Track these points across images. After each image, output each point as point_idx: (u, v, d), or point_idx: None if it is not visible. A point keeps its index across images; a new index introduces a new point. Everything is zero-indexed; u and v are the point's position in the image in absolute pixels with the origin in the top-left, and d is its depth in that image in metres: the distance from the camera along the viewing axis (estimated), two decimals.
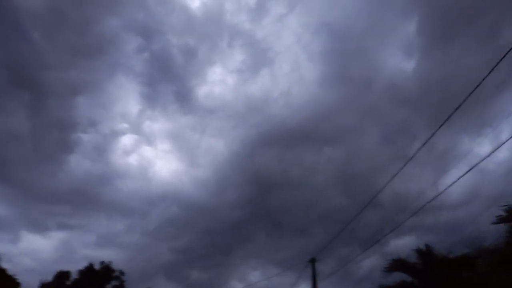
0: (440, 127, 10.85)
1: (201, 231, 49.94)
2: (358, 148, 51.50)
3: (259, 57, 56.04)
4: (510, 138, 9.41)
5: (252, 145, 51.33)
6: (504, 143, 9.84)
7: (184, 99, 57.04)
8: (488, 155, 10.25)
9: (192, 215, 50.66)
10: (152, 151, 58.37)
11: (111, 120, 57.24)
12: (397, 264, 16.30)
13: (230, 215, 50.99)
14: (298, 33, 55.20)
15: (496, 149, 9.98)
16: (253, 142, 51.25)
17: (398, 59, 49.14)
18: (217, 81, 57.71)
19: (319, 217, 48.87)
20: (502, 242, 12.62)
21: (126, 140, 56.63)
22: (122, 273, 28.41)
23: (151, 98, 58.11)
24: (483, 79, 8.87)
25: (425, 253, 15.93)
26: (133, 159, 56.19)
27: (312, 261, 22.17)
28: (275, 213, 51.77)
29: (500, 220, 11.71)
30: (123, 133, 55.62)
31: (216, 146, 55.65)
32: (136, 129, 57.86)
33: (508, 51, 8.16)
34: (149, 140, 58.38)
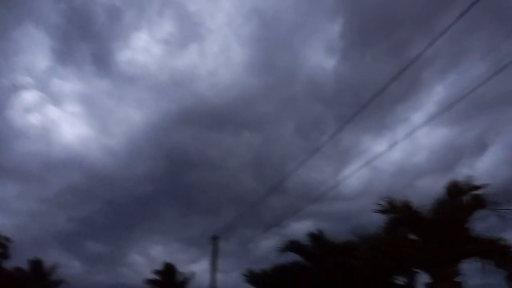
0: (343, 125, 11.84)
1: (105, 201, 47.74)
2: (274, 136, 53.44)
3: (189, 32, 54.52)
4: (401, 140, 10.64)
5: (171, 120, 50.16)
6: (395, 144, 11.11)
7: (102, 61, 53.32)
8: (381, 155, 11.50)
9: (97, 184, 48.12)
10: (58, 112, 53.74)
11: (13, 72, 51.24)
12: (291, 246, 17.48)
13: (138, 188, 49.47)
14: (230, 14, 54.80)
15: (389, 149, 11.22)
16: (173, 117, 50.08)
17: (320, 57, 51.71)
18: (141, 48, 54.91)
19: (230, 199, 49.95)
20: (381, 231, 14.25)
21: (29, 96, 51.31)
22: (7, 239, 26.26)
23: (64, 55, 53.18)
24: (385, 87, 9.87)
25: (316, 237, 17.36)
26: (34, 119, 51.20)
27: (214, 238, 22.78)
28: (186, 191, 51.58)
29: (381, 211, 13.27)
30: (25, 88, 50.21)
31: (133, 116, 53.19)
32: (41, 85, 52.62)
33: (408, 65, 9.19)
34: (56, 99, 53.57)
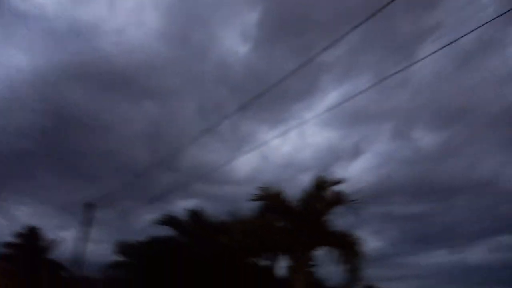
0: (236, 111, 12.23)
1: None
2: (174, 110, 52.22)
3: None
4: (286, 131, 11.33)
5: (64, 74, 45.24)
6: (283, 134, 11.82)
7: None
8: (267, 142, 12.19)
9: None
10: None
11: None
12: (168, 220, 17.58)
13: (12, 142, 43.98)
14: None
15: (276, 137, 11.90)
16: (66, 70, 45.19)
17: (235, 41, 51.94)
18: None
19: (116, 167, 47.50)
20: (254, 216, 15.19)
21: None
22: None
23: None
24: (276, 84, 10.48)
25: (195, 214, 17.74)
26: None
27: (88, 206, 21.57)
28: (68, 153, 47.49)
29: (255, 198, 14.23)
30: None
31: (17, 58, 46.74)
32: None
33: (300, 66, 9.87)
34: None
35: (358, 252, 12.91)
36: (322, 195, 13.85)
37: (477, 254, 49.41)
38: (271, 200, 14.17)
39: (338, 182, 13.74)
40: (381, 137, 63.99)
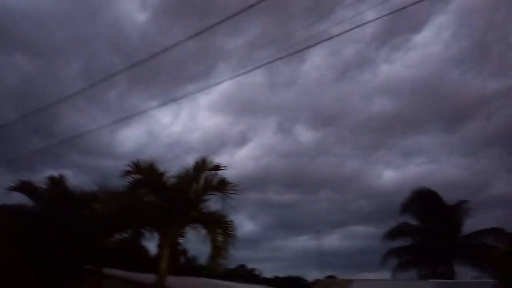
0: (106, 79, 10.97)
1: None
2: (52, 68, 46.06)
3: None
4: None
5: None
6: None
7: None
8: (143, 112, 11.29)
9: None
10: None
11: None
12: (22, 186, 15.42)
13: None
14: None
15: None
16: None
17: (134, 7, 47.95)
18: None
19: None
20: (124, 189, 14.17)
21: None
22: None
23: None
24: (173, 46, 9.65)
25: (55, 182, 15.84)
26: None
27: None
28: None
29: (127, 171, 13.29)
30: None
31: None
32: None
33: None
34: None
35: (230, 234, 13.00)
36: (201, 177, 13.58)
37: (333, 240, 55.88)
38: (144, 174, 13.36)
39: (218, 166, 13.61)
40: (266, 129, 67.19)
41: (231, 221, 13.12)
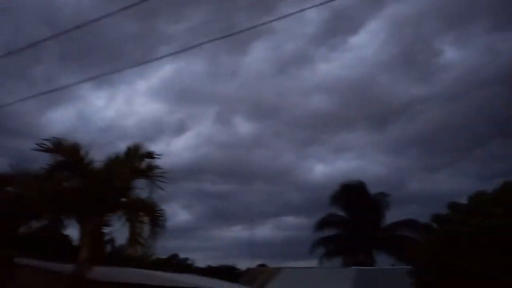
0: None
1: None
2: None
3: None
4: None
5: None
6: None
7: None
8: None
9: None
10: None
11: None
12: None
13: None
14: None
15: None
16: None
17: None
18: None
19: None
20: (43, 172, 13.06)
21: None
22: None
23: None
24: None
25: None
26: None
27: None
28: None
29: (44, 149, 12.19)
30: None
31: None
32: None
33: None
34: None
35: (159, 223, 12.54)
36: (132, 163, 12.90)
37: (266, 230, 57.15)
38: (66, 156, 12.37)
39: (152, 154, 13.02)
40: (205, 119, 66.43)
41: (161, 209, 12.64)
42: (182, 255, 46.94)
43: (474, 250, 12.29)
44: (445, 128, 52.75)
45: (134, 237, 12.11)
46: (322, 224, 29.18)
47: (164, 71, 67.55)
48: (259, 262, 37.39)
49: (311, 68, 62.18)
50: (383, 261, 27.68)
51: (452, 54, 57.03)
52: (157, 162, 13.22)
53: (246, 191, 60.42)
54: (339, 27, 60.28)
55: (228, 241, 56.45)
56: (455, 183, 48.66)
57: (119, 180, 13.04)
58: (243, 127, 64.07)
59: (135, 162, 13.22)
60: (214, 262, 46.46)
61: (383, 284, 18.81)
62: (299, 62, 61.92)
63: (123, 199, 13.05)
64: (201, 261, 53.89)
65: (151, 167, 13.13)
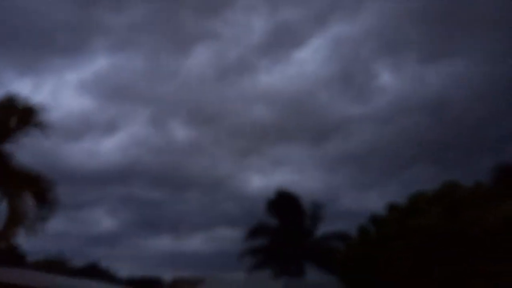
0: None
1: None
2: None
3: None
4: None
5: None
6: None
7: None
8: None
9: None
10: None
11: None
12: None
13: None
14: None
15: None
16: None
17: None
18: None
19: None
20: None
21: None
22: None
23: None
24: None
25: None
26: None
27: None
28: None
29: None
30: None
31: None
32: None
33: None
34: None
35: (47, 200, 9.93)
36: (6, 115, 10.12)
37: (196, 242, 53.89)
38: None
39: (32, 107, 10.33)
40: (139, 120, 62.23)
41: (49, 182, 10.03)
42: (104, 264, 42.52)
43: (407, 250, 11.45)
44: (376, 149, 54.58)
45: (14, 217, 9.37)
46: (253, 233, 27.46)
47: (98, 64, 62.82)
48: (186, 273, 34.58)
49: (253, 78, 61.40)
50: (313, 273, 26.48)
51: (387, 78, 59.59)
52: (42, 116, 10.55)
53: (179, 200, 56.95)
54: (283, 40, 60.80)
55: (156, 251, 52.21)
56: (382, 202, 49.75)
57: None
58: (180, 132, 60.76)
59: (9, 115, 10.35)
60: (138, 272, 42.47)
61: None
62: (242, 71, 60.95)
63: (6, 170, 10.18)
64: (124, 271, 49.24)
65: (29, 119, 10.34)
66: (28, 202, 9.61)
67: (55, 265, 25.40)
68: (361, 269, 12.62)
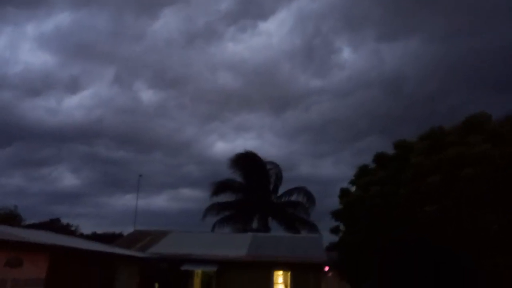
0: None
1: None
2: None
3: None
4: None
5: None
6: None
7: None
8: None
9: None
10: None
11: None
12: None
13: None
14: None
15: None
16: None
17: None
18: None
19: None
20: None
21: None
22: None
23: None
24: None
25: None
26: None
27: None
28: None
29: None
30: None
31: None
32: None
33: None
34: None
35: None
36: None
37: (160, 202, 53.02)
38: None
39: None
40: (103, 80, 58.33)
41: None
42: (64, 220, 40.67)
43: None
44: (333, 120, 55.59)
45: None
46: (218, 188, 26.69)
47: (60, 19, 57.17)
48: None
49: (220, 45, 59.00)
50: (277, 228, 26.51)
51: (347, 54, 59.89)
52: None
53: (144, 160, 55.13)
54: (251, 11, 58.23)
55: (119, 209, 50.84)
56: (336, 170, 51.40)
57: None
58: (145, 93, 57.96)
59: None
60: (100, 229, 41.09)
61: (277, 249, 17.10)
62: (209, 37, 58.26)
63: None
64: (87, 228, 47.55)
65: None
66: None
67: (9, 220, 23.42)
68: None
